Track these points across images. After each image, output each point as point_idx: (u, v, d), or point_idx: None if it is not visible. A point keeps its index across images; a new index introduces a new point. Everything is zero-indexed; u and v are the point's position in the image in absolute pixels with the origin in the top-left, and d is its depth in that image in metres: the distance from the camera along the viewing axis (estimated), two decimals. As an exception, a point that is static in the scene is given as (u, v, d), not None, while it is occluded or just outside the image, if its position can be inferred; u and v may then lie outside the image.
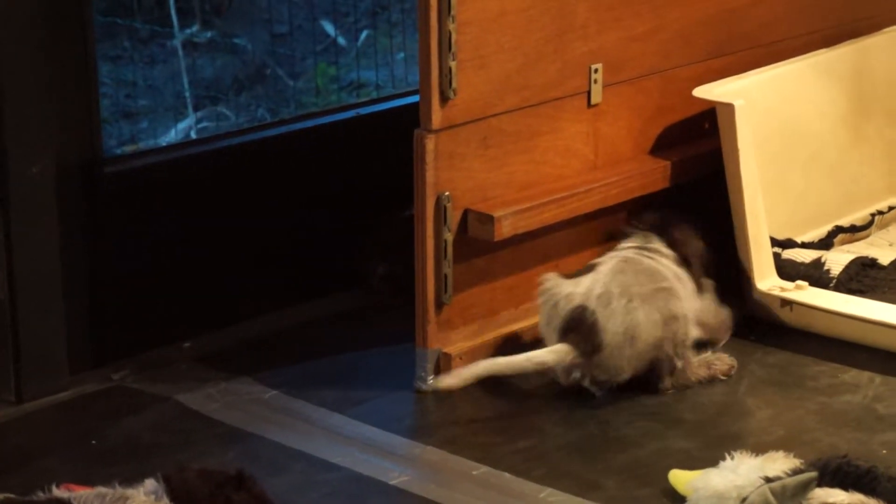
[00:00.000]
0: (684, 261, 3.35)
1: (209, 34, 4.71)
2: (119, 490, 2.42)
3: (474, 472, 2.93)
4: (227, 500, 2.43)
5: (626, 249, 3.32)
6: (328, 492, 2.86)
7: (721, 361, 3.27)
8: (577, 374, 3.17)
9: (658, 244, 3.35)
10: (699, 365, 3.24)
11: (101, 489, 2.42)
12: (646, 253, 3.30)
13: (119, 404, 3.24)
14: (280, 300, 3.68)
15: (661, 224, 3.41)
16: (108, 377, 3.36)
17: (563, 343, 3.13)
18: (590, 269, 3.25)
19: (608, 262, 3.24)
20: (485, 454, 2.98)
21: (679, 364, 3.18)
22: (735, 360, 3.28)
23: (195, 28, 4.70)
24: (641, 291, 3.17)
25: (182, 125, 4.49)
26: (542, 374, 3.24)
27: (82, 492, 2.42)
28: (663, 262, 3.30)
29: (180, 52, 4.62)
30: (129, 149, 4.26)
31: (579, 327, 3.13)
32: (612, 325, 3.13)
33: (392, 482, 2.89)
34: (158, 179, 3.50)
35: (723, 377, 3.24)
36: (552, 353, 3.12)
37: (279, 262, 3.70)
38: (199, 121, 4.55)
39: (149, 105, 4.51)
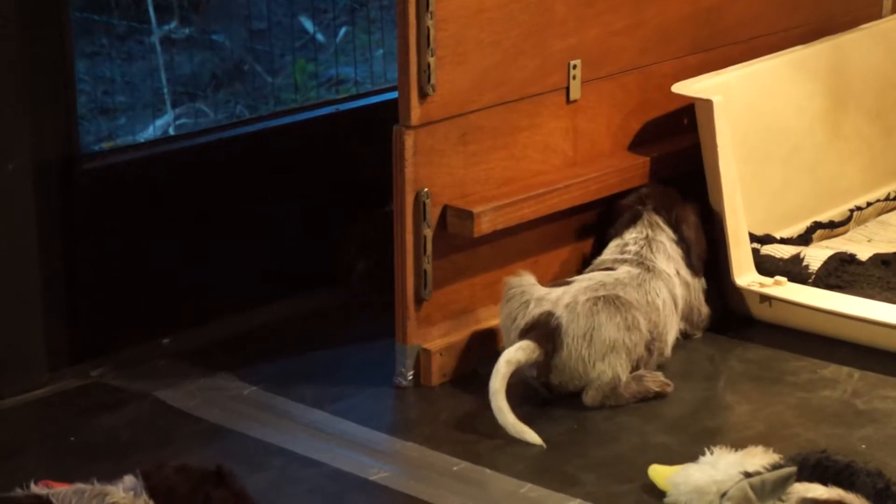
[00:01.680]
0: (684, 244, 3.37)
1: (187, 31, 4.70)
2: (98, 487, 2.41)
3: (454, 468, 2.93)
4: (207, 496, 2.43)
5: (624, 261, 3.32)
6: (308, 488, 2.86)
7: (654, 379, 3.21)
8: (532, 373, 3.16)
9: (663, 235, 3.38)
10: (633, 380, 3.19)
11: (80, 486, 2.41)
12: (647, 257, 3.32)
13: (98, 401, 3.23)
14: (259, 296, 3.67)
15: (665, 204, 3.42)
16: (87, 374, 3.35)
17: (527, 340, 3.12)
18: (567, 283, 3.25)
19: (583, 283, 3.23)
20: (465, 450, 2.98)
21: (623, 379, 3.16)
22: (670, 381, 3.21)
23: (173, 24, 4.69)
24: (605, 295, 3.17)
25: (160, 122, 4.47)
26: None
27: (61, 489, 2.40)
28: (662, 268, 3.31)
29: (158, 49, 4.60)
30: (106, 145, 4.25)
31: (543, 327, 3.14)
32: (573, 328, 3.13)
33: (372, 478, 2.89)
34: (136, 176, 3.49)
35: (655, 395, 3.19)
36: (521, 351, 3.11)
37: (258, 258, 3.69)
38: (177, 117, 4.53)
39: (126, 102, 4.50)
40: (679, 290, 3.35)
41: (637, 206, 3.45)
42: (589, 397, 3.16)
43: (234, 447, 3.01)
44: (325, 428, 3.09)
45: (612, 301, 3.16)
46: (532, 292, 3.20)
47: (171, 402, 3.21)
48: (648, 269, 3.31)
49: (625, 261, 3.34)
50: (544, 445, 2.98)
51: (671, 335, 3.31)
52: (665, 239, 3.40)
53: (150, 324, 3.49)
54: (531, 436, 3.00)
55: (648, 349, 3.21)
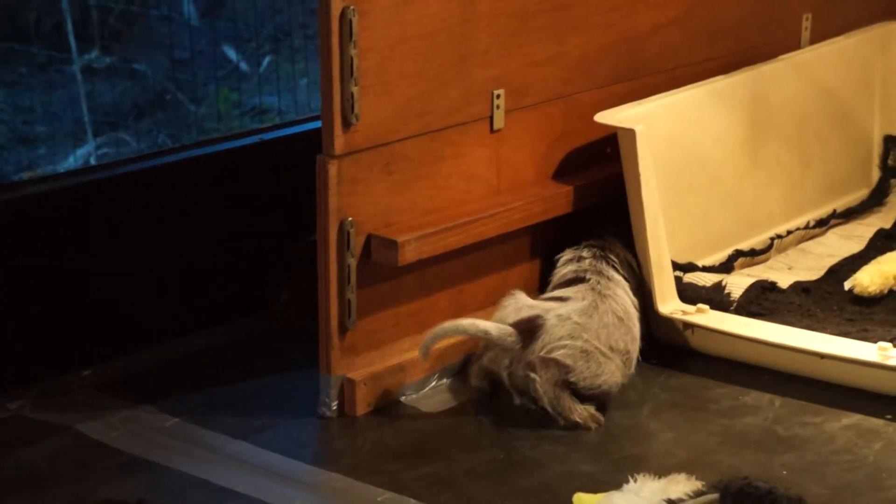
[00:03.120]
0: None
1: (108, 60, 4.67)
2: (16, 521, 2.37)
3: (379, 499, 2.91)
4: (128, 529, 2.40)
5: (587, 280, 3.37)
6: (231, 520, 2.83)
7: (584, 412, 3.22)
8: (504, 362, 3.20)
9: (612, 259, 3.45)
10: (570, 397, 3.21)
11: (-2, 521, 2.37)
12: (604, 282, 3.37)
13: (16, 434, 3.18)
14: (182, 327, 3.64)
15: (604, 243, 3.50)
16: (5, 407, 3.30)
17: (508, 325, 3.20)
18: (562, 299, 3.30)
19: (580, 300, 3.29)
20: (390, 480, 2.97)
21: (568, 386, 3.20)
22: (601, 418, 3.23)
23: (94, 54, 4.66)
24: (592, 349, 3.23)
25: (81, 151, 4.44)
26: (449, 399, 3.25)
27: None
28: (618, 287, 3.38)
29: (79, 78, 4.56)
30: (26, 175, 4.20)
31: (528, 323, 3.20)
32: (556, 332, 3.18)
33: (296, 510, 2.87)
34: (57, 206, 3.45)
35: (575, 423, 3.20)
36: (496, 328, 3.19)
37: (181, 288, 3.66)
38: (98, 147, 4.50)
39: (47, 131, 4.46)
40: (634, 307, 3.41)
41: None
42: (536, 365, 3.18)
43: (156, 480, 2.98)
44: (249, 459, 3.07)
45: (591, 356, 3.22)
46: (526, 302, 3.29)
47: (92, 434, 3.17)
48: (601, 295, 3.34)
49: (586, 271, 3.38)
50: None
51: (636, 349, 3.34)
52: (615, 261, 3.46)
53: (70, 355, 3.45)
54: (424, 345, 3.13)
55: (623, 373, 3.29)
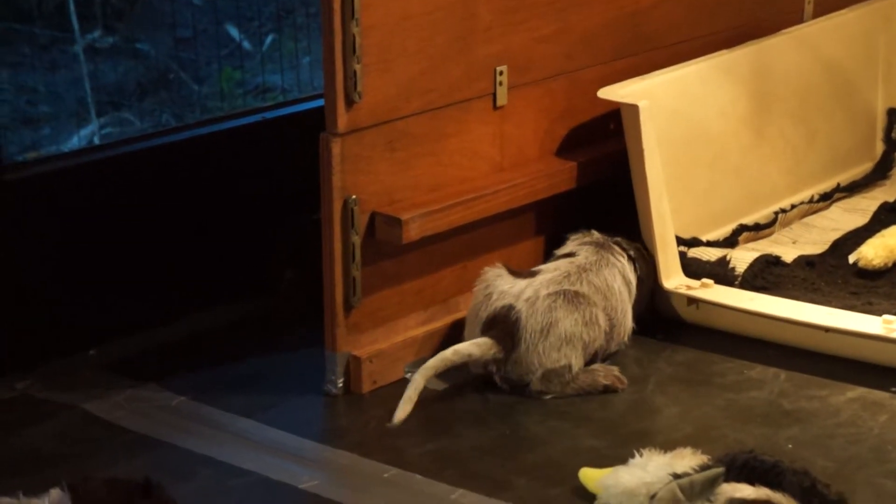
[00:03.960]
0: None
1: (111, 39, 4.66)
2: (24, 500, 2.38)
3: (385, 475, 2.92)
4: (135, 508, 2.41)
5: (585, 243, 3.39)
6: (238, 498, 2.84)
7: (606, 374, 3.26)
8: (491, 368, 3.20)
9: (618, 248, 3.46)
10: (584, 373, 3.24)
11: (5, 500, 2.38)
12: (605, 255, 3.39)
13: (23, 414, 3.19)
14: (187, 306, 3.65)
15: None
16: (12, 387, 3.31)
17: (486, 337, 3.18)
18: (532, 273, 3.30)
19: (552, 269, 3.30)
20: (395, 456, 2.98)
21: (574, 370, 3.20)
22: (624, 378, 3.26)
23: (97, 33, 4.65)
24: (566, 290, 3.23)
25: (85, 131, 4.43)
26: (455, 375, 3.26)
27: (-14, 503, 2.38)
28: (619, 261, 3.38)
29: (82, 58, 4.56)
30: (30, 155, 4.20)
31: (503, 324, 3.18)
32: (531, 323, 3.15)
33: (302, 486, 2.87)
34: (61, 186, 3.45)
35: (605, 388, 3.23)
36: (477, 346, 3.18)
37: (185, 267, 3.67)
38: (102, 126, 4.49)
39: (51, 111, 4.45)
40: (631, 275, 3.42)
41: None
42: (535, 383, 3.18)
43: (163, 458, 2.99)
44: (255, 437, 3.08)
45: (571, 298, 3.22)
46: (496, 285, 3.26)
47: (98, 413, 3.18)
48: (604, 257, 3.37)
49: (584, 245, 3.40)
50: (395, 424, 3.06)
51: (628, 319, 3.36)
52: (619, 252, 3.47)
53: (77, 335, 3.45)
54: (399, 412, 3.07)
55: (609, 336, 3.28)
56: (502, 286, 3.26)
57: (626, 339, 3.38)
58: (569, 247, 3.46)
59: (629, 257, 3.44)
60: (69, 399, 3.24)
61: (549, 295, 3.22)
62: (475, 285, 3.30)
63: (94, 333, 3.48)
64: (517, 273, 3.33)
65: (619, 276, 3.38)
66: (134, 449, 3.02)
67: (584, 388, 3.22)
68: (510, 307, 3.21)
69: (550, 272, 3.30)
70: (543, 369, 3.19)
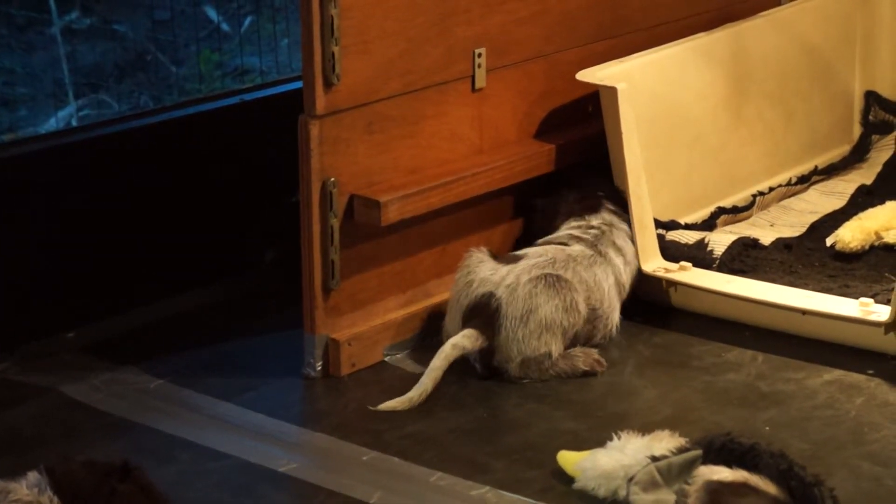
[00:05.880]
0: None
1: (89, 21, 4.64)
2: (1, 483, 2.37)
3: (364, 458, 2.92)
4: (113, 491, 2.40)
5: (581, 240, 3.38)
6: (216, 480, 2.84)
7: (585, 358, 3.26)
8: (474, 356, 3.21)
9: (623, 226, 3.46)
10: (563, 357, 3.24)
11: (-17, 483, 2.38)
12: (602, 242, 3.39)
13: (0, 396, 3.17)
14: (166, 288, 3.64)
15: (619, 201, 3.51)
16: (-10, 369, 3.30)
17: (471, 328, 3.17)
18: (516, 259, 3.28)
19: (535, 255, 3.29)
20: (374, 439, 2.98)
21: (553, 356, 3.20)
22: (603, 360, 3.26)
23: (74, 15, 4.63)
24: (548, 274, 3.22)
25: (62, 113, 4.42)
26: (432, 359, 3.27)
27: (-37, 486, 2.37)
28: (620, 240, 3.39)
29: (59, 39, 4.54)
30: (7, 137, 4.18)
31: (484, 312, 3.17)
32: (511, 310, 3.16)
33: (281, 469, 2.87)
34: (39, 167, 3.44)
35: (584, 373, 3.23)
36: (467, 339, 3.17)
37: (165, 249, 3.66)
38: (80, 108, 4.48)
39: (28, 93, 4.43)
40: (626, 277, 3.42)
41: (596, 197, 3.49)
42: (514, 368, 3.18)
43: (141, 441, 2.98)
44: (233, 420, 3.07)
45: (552, 282, 3.21)
46: (477, 272, 3.24)
47: (76, 396, 3.17)
48: (601, 254, 3.36)
49: (581, 239, 3.38)
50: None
51: (616, 314, 3.36)
52: (623, 228, 3.46)
53: (55, 317, 3.44)
54: (393, 402, 3.07)
55: (593, 325, 3.27)
56: (483, 272, 3.25)
57: (613, 331, 3.36)
58: (563, 232, 3.44)
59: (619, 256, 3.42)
60: (47, 382, 3.23)
61: (530, 280, 3.21)
62: (457, 271, 3.30)
63: (72, 315, 3.47)
64: (500, 258, 3.32)
65: (611, 275, 3.36)
66: (112, 432, 3.02)
67: (564, 373, 3.22)
68: (490, 294, 3.20)
69: (535, 257, 3.29)
70: (523, 357, 3.19)
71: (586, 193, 3.53)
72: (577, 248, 3.34)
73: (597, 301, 3.30)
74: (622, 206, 3.50)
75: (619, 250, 3.42)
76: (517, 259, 3.29)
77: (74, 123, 4.37)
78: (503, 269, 3.24)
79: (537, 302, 3.19)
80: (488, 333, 3.18)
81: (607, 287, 3.34)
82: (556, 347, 3.20)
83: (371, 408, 3.08)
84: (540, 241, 3.43)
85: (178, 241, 3.68)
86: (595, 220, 3.45)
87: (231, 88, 4.27)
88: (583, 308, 3.25)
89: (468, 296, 3.22)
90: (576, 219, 3.47)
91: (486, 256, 3.30)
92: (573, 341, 3.27)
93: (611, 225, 3.46)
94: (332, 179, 3.22)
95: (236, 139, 3.80)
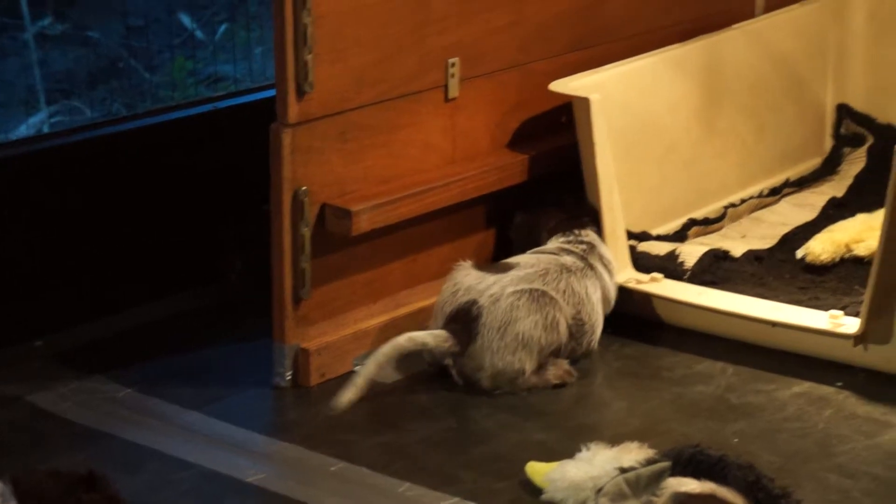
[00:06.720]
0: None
1: (62, 27, 4.62)
2: (-35, 493, 2.36)
3: (332, 468, 2.91)
4: (78, 500, 2.38)
5: (571, 252, 3.37)
6: (183, 490, 2.82)
7: (556, 371, 3.25)
8: (448, 362, 3.20)
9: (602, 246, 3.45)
10: (534, 373, 3.22)
11: (-54, 492, 2.36)
12: (592, 255, 3.39)
13: (-33, 405, 3.16)
14: (136, 296, 3.63)
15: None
16: (-44, 378, 3.28)
17: (443, 330, 3.17)
18: (507, 267, 3.27)
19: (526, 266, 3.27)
20: (343, 450, 2.97)
21: (526, 374, 3.20)
22: (573, 371, 3.26)
23: (47, 21, 4.61)
24: (533, 289, 3.21)
25: (34, 119, 4.39)
26: (404, 368, 3.26)
27: (-74, 496, 2.35)
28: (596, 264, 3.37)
29: (32, 45, 4.52)
30: (-22, 143, 4.16)
31: (463, 318, 3.17)
32: (490, 320, 3.15)
33: (249, 479, 2.86)
34: (9, 174, 3.42)
35: (554, 386, 3.23)
36: (432, 337, 3.17)
37: (135, 257, 3.64)
38: (51, 115, 4.46)
39: (-1, 98, 4.41)
40: (612, 292, 3.42)
41: (581, 217, 3.49)
42: (485, 379, 3.18)
43: (108, 450, 2.97)
44: (202, 429, 3.06)
45: (536, 297, 3.20)
46: (463, 282, 3.24)
47: (44, 405, 3.15)
48: (591, 267, 3.36)
49: (572, 252, 3.37)
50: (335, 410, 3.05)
51: (600, 329, 3.36)
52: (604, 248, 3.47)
53: (22, 326, 3.43)
54: (343, 396, 3.06)
55: (579, 339, 3.26)
56: (470, 281, 3.24)
57: (595, 345, 3.35)
58: (552, 244, 3.43)
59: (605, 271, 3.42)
60: (14, 391, 3.21)
61: (514, 293, 3.19)
62: (444, 282, 3.27)
63: (40, 324, 3.45)
64: (492, 266, 3.31)
65: (599, 289, 3.36)
66: (79, 441, 3.00)
67: (535, 387, 3.21)
68: (473, 302, 3.19)
69: (527, 268, 3.27)
70: (495, 369, 3.18)
71: (572, 212, 3.52)
72: (569, 259, 3.33)
73: (586, 315, 3.29)
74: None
75: (606, 265, 3.41)
76: (508, 268, 3.28)
77: (46, 129, 4.35)
78: (490, 279, 3.24)
79: (517, 315, 3.17)
80: (463, 339, 3.17)
81: (595, 300, 3.33)
82: (529, 365, 3.19)
83: (331, 409, 3.06)
84: (532, 250, 3.42)
85: (148, 250, 3.66)
86: (583, 235, 3.45)
87: (204, 96, 4.26)
88: (563, 328, 3.23)
89: (452, 304, 3.22)
90: (564, 234, 3.46)
91: (473, 270, 3.28)
92: (555, 354, 3.25)
93: (597, 241, 3.45)
94: (304, 188, 3.21)
95: (209, 147, 3.79)
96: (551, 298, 3.22)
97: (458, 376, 3.22)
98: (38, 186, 3.47)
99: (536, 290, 3.21)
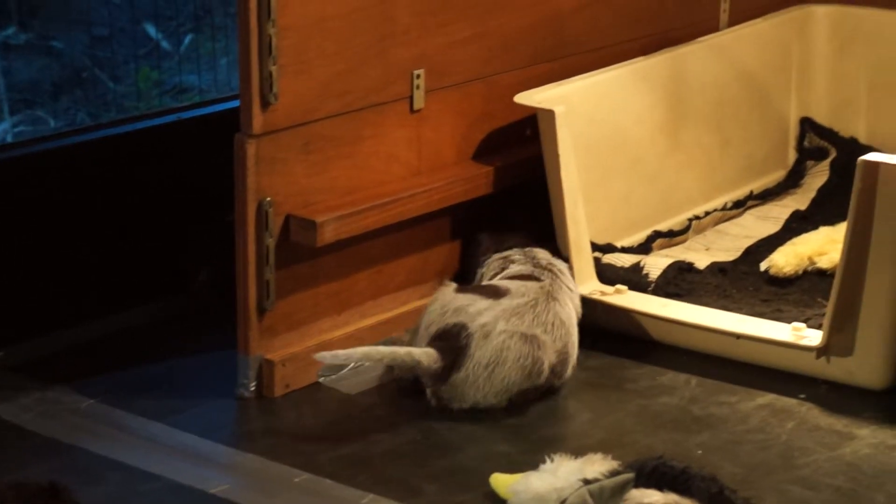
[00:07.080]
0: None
1: (25, 36, 4.60)
2: (-75, 505, 2.34)
3: (296, 480, 2.90)
4: (40, 512, 2.38)
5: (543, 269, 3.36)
6: (147, 502, 2.81)
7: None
8: (427, 382, 3.17)
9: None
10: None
11: None
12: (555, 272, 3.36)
13: (-72, 416, 3.14)
14: (99, 306, 3.61)
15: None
16: (-83, 389, 3.26)
17: (433, 349, 3.14)
18: (497, 293, 3.24)
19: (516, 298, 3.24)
20: (307, 461, 2.96)
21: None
22: None
23: (11, 30, 4.59)
24: (524, 332, 3.19)
25: (-3, 128, 4.38)
26: (367, 379, 3.26)
27: None
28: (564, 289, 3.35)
29: (-5, 55, 4.50)
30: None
31: (453, 340, 3.15)
32: (479, 354, 3.14)
33: (212, 491, 2.85)
34: (-30, 184, 3.40)
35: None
36: (426, 356, 3.13)
37: (99, 267, 3.63)
38: (15, 125, 4.44)
39: (-38, 108, 4.39)
40: (580, 310, 3.40)
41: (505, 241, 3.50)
42: (458, 406, 3.17)
43: (71, 462, 2.95)
44: (165, 440, 3.05)
45: (528, 341, 3.17)
46: (452, 304, 3.20)
47: (5, 416, 3.13)
48: (569, 288, 3.35)
49: (550, 272, 3.36)
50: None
51: (576, 353, 3.32)
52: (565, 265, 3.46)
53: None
54: (331, 354, 3.08)
55: (558, 376, 3.24)
56: (459, 302, 3.20)
57: (570, 371, 3.31)
58: (518, 266, 3.40)
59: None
60: (-24, 401, 3.20)
61: (506, 332, 3.15)
62: (429, 303, 3.25)
63: (1, 334, 3.43)
64: (478, 290, 3.28)
65: (573, 310, 3.34)
66: (42, 452, 2.98)
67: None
68: (463, 326, 3.15)
69: (517, 297, 3.23)
70: (475, 404, 3.16)
71: (501, 237, 3.53)
72: (553, 285, 3.30)
73: (571, 346, 3.27)
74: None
75: (569, 285, 3.40)
76: (498, 294, 3.24)
77: (9, 139, 4.33)
78: (481, 303, 3.20)
79: (506, 357, 3.14)
80: (447, 362, 3.14)
81: (574, 322, 3.33)
82: (506, 401, 3.19)
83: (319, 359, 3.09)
84: (513, 273, 3.38)
85: (110, 260, 3.65)
86: (540, 257, 3.44)
87: (169, 106, 4.25)
88: (546, 373, 3.19)
89: (439, 323, 3.18)
90: (518, 250, 3.46)
91: (452, 293, 3.25)
92: (530, 394, 3.22)
93: (552, 259, 3.45)
94: (268, 199, 3.20)
95: (173, 157, 3.78)
96: (541, 344, 3.19)
97: (432, 397, 3.19)
98: (1, 196, 3.45)
99: (527, 334, 3.17)
